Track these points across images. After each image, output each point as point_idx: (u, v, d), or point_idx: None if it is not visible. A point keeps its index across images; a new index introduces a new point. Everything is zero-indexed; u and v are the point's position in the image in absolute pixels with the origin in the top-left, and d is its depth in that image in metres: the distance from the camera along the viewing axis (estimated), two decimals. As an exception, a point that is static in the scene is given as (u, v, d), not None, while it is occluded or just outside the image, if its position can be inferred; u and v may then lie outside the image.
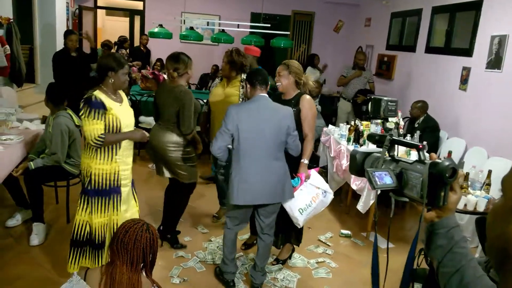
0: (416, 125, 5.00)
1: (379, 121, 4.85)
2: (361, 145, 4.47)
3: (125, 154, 2.82)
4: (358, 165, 1.15)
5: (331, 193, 3.11)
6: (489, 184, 3.49)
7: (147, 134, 2.96)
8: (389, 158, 1.12)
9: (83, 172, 2.79)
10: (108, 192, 2.76)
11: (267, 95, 2.86)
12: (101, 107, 2.63)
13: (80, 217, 2.80)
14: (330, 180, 4.80)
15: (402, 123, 4.85)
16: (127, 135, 2.79)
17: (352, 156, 1.16)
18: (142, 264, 1.82)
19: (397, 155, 1.17)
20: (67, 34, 5.81)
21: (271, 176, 2.81)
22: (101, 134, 2.64)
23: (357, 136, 4.59)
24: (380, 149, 1.16)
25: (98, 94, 2.67)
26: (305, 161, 3.10)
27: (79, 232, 2.80)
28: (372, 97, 1.86)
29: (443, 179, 0.99)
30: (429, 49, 6.11)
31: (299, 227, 3.14)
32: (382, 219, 4.66)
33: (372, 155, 1.14)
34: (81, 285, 1.75)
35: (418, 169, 1.04)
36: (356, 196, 4.21)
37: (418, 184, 1.03)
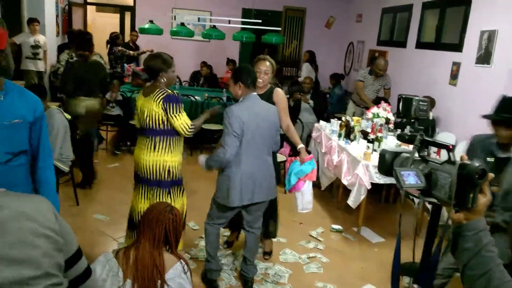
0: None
1: (370, 115, 4.86)
2: (352, 141, 4.49)
3: None
4: (387, 165, 1.14)
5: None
6: (478, 178, 3.52)
7: None
8: (419, 158, 1.10)
9: (155, 169, 2.90)
10: (180, 181, 3.04)
11: (256, 94, 2.89)
12: (181, 101, 2.86)
13: None
14: (321, 175, 4.81)
15: (393, 118, 4.87)
16: (204, 118, 3.06)
17: (382, 155, 1.15)
18: (164, 243, 1.98)
19: (429, 155, 1.15)
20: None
21: (268, 171, 2.91)
22: (191, 123, 2.86)
23: (348, 131, 4.60)
24: (410, 149, 1.14)
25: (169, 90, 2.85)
26: (302, 145, 3.27)
27: None
28: (403, 96, 1.90)
29: (472, 181, 0.97)
30: (420, 45, 6.14)
31: (308, 211, 3.32)
32: (372, 213, 4.68)
33: (402, 155, 1.12)
34: (113, 262, 1.92)
35: (447, 170, 1.02)
36: (347, 192, 4.22)
37: (447, 184, 1.01)
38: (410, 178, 1.03)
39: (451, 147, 1.06)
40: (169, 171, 2.92)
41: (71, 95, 4.56)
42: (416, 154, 1.12)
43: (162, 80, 2.88)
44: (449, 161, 1.04)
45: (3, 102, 1.85)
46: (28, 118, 1.90)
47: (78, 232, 3.64)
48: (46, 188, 2.01)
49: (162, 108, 2.77)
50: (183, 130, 2.82)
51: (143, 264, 1.88)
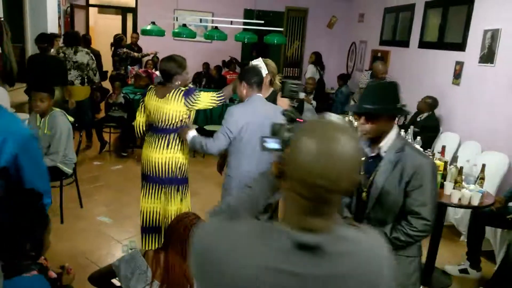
0: (418, 119, 5.01)
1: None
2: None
3: None
4: (272, 134, 1.29)
5: None
6: (483, 178, 3.50)
7: None
8: (288, 127, 1.27)
9: (168, 166, 2.99)
10: (187, 179, 3.16)
11: (262, 96, 2.83)
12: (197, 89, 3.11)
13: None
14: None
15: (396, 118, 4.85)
16: (232, 85, 3.11)
17: (271, 126, 1.30)
18: None
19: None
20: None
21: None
22: (217, 93, 3.02)
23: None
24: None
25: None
26: None
27: None
28: (282, 80, 2.09)
29: None
30: (423, 44, 6.12)
31: None
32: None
33: (283, 126, 1.28)
34: (140, 261, 1.93)
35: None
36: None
37: None
38: (272, 144, 1.21)
39: (300, 120, 1.26)
40: (180, 168, 3.03)
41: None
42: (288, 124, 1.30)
43: (177, 83, 2.96)
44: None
45: None
46: None
47: (82, 234, 3.65)
48: None
49: (186, 104, 2.90)
50: (212, 103, 2.98)
51: (173, 271, 1.91)
